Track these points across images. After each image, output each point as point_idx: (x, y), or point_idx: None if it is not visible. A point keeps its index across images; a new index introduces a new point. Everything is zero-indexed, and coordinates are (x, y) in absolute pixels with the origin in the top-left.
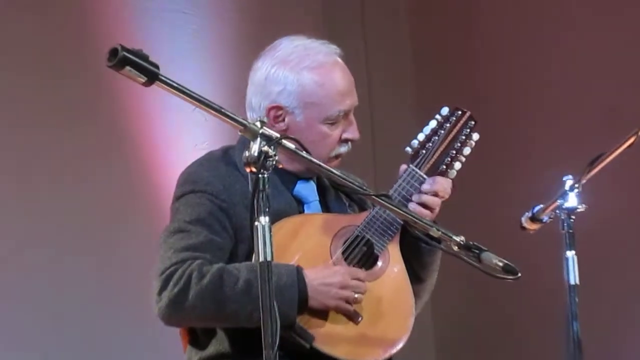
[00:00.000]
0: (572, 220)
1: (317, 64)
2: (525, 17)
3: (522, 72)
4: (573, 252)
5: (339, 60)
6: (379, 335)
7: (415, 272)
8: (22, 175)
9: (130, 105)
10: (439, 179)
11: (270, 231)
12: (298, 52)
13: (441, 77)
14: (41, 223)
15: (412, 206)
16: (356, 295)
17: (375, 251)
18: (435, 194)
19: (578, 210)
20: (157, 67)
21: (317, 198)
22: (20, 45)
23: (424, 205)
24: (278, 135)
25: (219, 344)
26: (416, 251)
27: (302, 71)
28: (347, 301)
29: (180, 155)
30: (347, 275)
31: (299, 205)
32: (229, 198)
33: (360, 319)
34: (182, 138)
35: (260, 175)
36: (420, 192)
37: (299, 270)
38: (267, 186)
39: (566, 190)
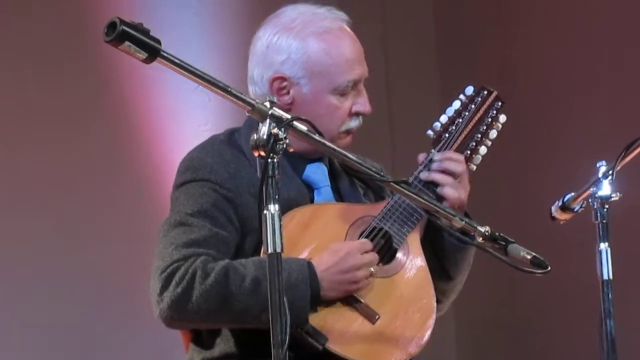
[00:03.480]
0: (605, 209)
1: (323, 30)
2: None
3: (554, 50)
4: (607, 244)
5: (346, 27)
6: (397, 335)
7: (445, 268)
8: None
9: (127, 83)
10: (450, 153)
11: (280, 220)
12: (302, 17)
13: (467, 53)
14: (28, 212)
15: (440, 190)
16: (372, 269)
17: (394, 244)
18: (445, 169)
19: (612, 199)
20: (158, 42)
21: (329, 183)
22: (17, 22)
23: (437, 182)
24: (289, 117)
25: (225, 343)
26: (447, 246)
27: (307, 38)
28: (366, 278)
29: (180, 138)
30: (357, 253)
31: (309, 191)
32: (234, 187)
33: (377, 317)
34: (182, 119)
35: (269, 160)
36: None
37: (310, 265)
38: (276, 172)
39: (599, 178)
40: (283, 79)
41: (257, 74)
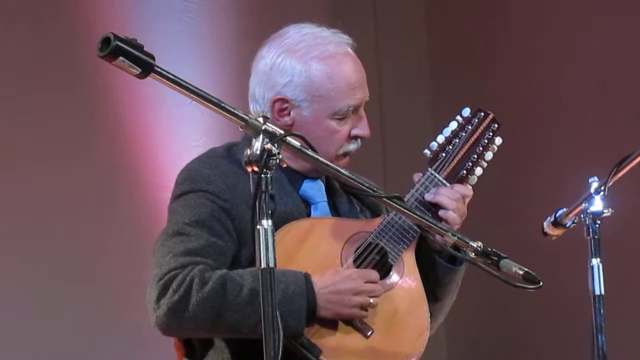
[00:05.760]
0: (597, 225)
1: (327, 55)
2: (548, 11)
3: (544, 67)
4: (598, 259)
5: (350, 51)
6: (390, 350)
7: (433, 290)
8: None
9: (120, 98)
10: (458, 187)
11: (273, 235)
12: (307, 40)
13: (458, 72)
14: (20, 224)
15: (444, 213)
16: (372, 300)
17: (389, 260)
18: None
19: (604, 214)
20: (152, 57)
21: (325, 199)
22: (10, 26)
23: (439, 205)
24: (282, 132)
25: (218, 355)
26: (435, 268)
27: (311, 61)
28: (362, 307)
29: (173, 153)
30: (359, 279)
31: (306, 206)
32: (231, 198)
33: (370, 332)
34: (176, 135)
35: (262, 175)
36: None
37: (307, 278)
38: (269, 187)
39: (591, 193)
40: (284, 100)
41: (258, 93)
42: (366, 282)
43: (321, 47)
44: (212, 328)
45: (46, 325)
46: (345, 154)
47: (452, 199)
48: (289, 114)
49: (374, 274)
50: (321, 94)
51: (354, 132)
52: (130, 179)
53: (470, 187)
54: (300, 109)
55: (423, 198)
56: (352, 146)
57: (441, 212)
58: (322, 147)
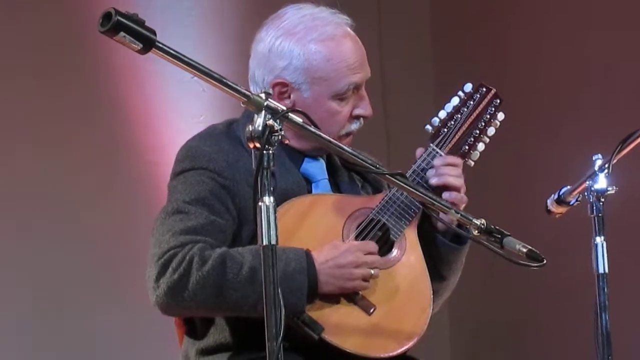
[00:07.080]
0: (601, 203)
1: (325, 36)
2: None
3: (548, 44)
4: (602, 237)
5: (350, 31)
6: (392, 327)
7: (438, 269)
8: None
9: (121, 74)
10: (452, 158)
11: (275, 212)
12: (305, 22)
13: (461, 49)
14: (22, 207)
15: (449, 195)
16: (373, 272)
17: (391, 236)
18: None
19: (608, 192)
20: (154, 33)
21: (326, 176)
22: (11, 16)
23: (446, 185)
24: (284, 108)
25: (219, 333)
26: (437, 247)
27: (309, 44)
28: (364, 279)
29: (173, 129)
30: (359, 252)
31: (307, 184)
32: (232, 176)
33: (372, 309)
34: (176, 111)
35: (264, 152)
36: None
37: (308, 255)
38: (272, 163)
39: (595, 171)
40: (284, 84)
41: (258, 75)
42: (365, 254)
43: (320, 29)
44: (212, 307)
45: (45, 303)
46: (347, 134)
47: (458, 177)
48: (289, 97)
49: (372, 245)
50: (320, 76)
51: (356, 112)
52: (130, 155)
53: (472, 162)
54: (300, 91)
55: (425, 175)
56: (354, 126)
57: (446, 194)
58: (324, 128)
